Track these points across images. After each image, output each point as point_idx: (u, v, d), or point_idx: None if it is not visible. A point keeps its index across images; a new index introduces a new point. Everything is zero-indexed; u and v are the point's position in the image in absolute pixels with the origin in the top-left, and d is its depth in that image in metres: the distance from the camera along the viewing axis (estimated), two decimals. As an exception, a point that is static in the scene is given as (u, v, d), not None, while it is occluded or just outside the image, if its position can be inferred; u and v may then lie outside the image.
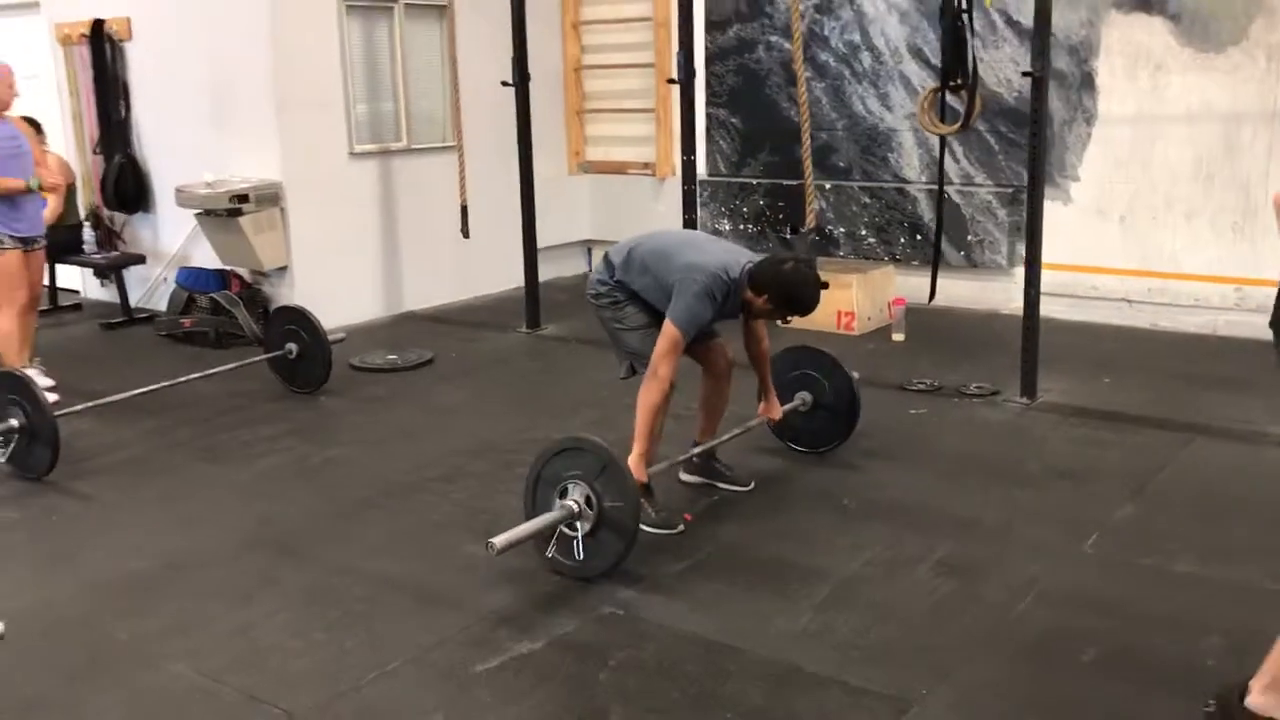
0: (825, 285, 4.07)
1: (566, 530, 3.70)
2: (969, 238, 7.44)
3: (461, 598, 3.71)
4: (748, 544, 4.09)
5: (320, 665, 3.32)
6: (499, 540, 3.52)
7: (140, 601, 3.76)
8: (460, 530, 4.23)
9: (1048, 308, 7.11)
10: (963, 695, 3.09)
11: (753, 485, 4.59)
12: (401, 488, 4.74)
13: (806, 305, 4.04)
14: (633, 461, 3.92)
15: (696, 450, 4.51)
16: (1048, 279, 7.13)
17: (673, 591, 3.72)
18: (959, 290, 7.55)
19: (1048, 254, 7.14)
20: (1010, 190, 7.20)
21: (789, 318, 4.10)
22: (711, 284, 3.98)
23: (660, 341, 3.98)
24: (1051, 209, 7.14)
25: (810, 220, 5.80)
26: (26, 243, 5.84)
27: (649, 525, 4.08)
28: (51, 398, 5.43)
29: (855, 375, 4.88)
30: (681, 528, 4.19)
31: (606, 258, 4.31)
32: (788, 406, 4.71)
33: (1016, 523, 4.19)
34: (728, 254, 4.14)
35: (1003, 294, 7.35)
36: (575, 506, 3.68)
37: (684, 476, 4.65)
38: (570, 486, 3.71)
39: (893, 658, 3.28)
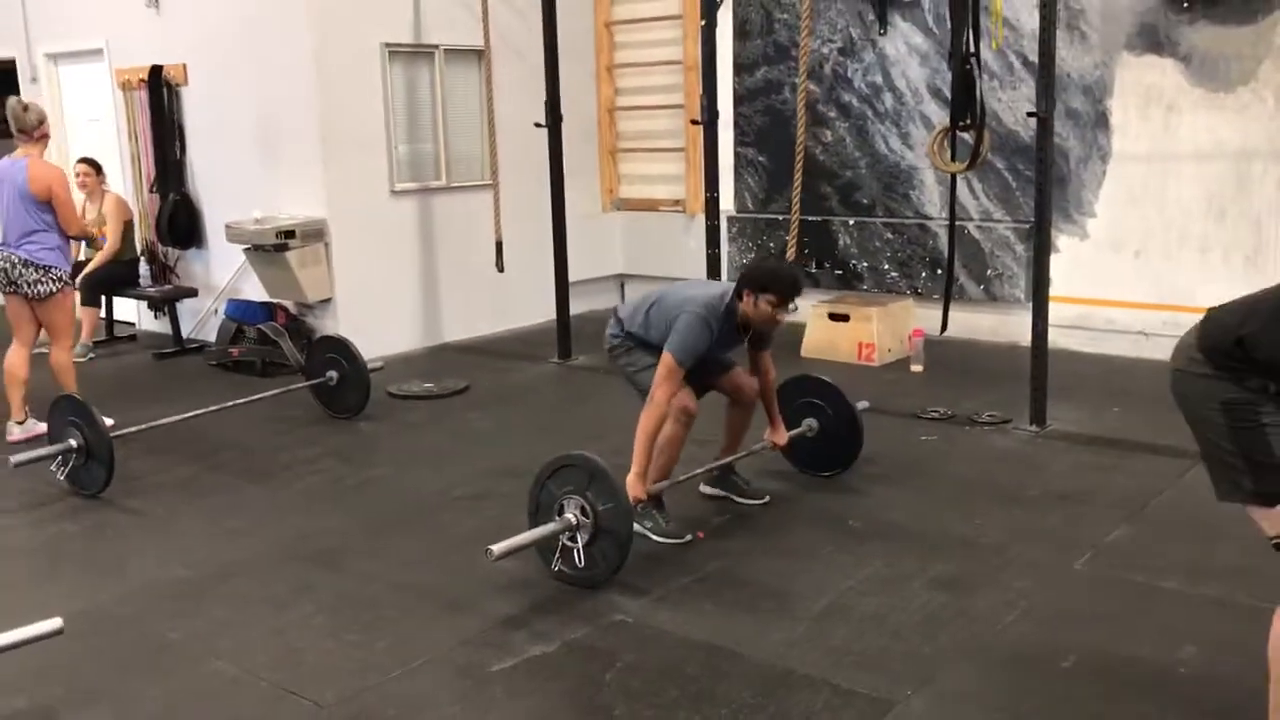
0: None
1: (568, 542, 3.98)
2: (988, 272, 7.65)
3: (483, 605, 3.97)
4: (754, 559, 4.32)
5: (349, 663, 3.59)
6: (497, 547, 3.82)
7: (186, 605, 4.06)
8: (485, 545, 4.44)
9: (1065, 340, 7.35)
10: (943, 698, 3.29)
11: (767, 499, 4.86)
12: (432, 506, 5.02)
13: (784, 280, 4.33)
14: (630, 479, 4.19)
15: (706, 467, 4.81)
16: (1065, 312, 7.37)
17: (680, 601, 3.96)
18: (979, 323, 7.77)
19: (1065, 288, 7.39)
20: (1027, 226, 7.39)
21: (781, 308, 4.31)
22: (705, 312, 4.28)
23: (659, 369, 4.27)
24: (1069, 244, 7.39)
25: (790, 254, 6.18)
26: None
27: (658, 535, 4.41)
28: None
29: (862, 404, 5.11)
30: (689, 538, 4.44)
31: (616, 313, 4.68)
32: (794, 432, 4.96)
33: (1012, 543, 4.38)
34: (723, 287, 4.48)
35: (1021, 326, 7.50)
36: (573, 519, 3.96)
37: (704, 489, 4.95)
38: (566, 501, 4.00)
39: (881, 664, 3.49)
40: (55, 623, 3.26)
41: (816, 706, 3.25)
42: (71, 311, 6.26)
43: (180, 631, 3.85)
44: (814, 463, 5.14)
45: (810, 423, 5.04)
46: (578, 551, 3.96)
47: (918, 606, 3.86)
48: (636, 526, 4.38)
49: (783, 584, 4.08)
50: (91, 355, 8.13)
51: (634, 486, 4.18)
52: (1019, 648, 3.57)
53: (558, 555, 4.01)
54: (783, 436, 4.86)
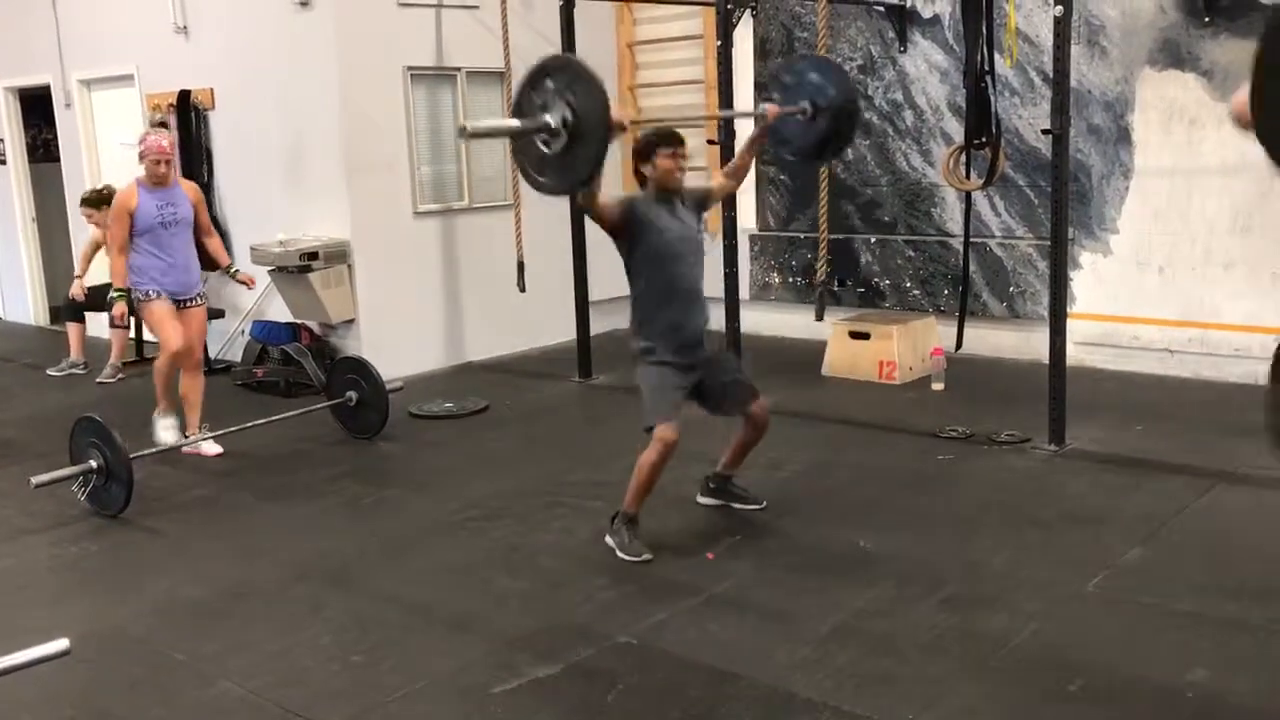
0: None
1: (542, 146, 4.06)
2: (1011, 289, 7.60)
3: (490, 627, 3.98)
4: (762, 580, 4.30)
5: (354, 684, 3.61)
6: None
7: (198, 626, 4.10)
8: (495, 565, 4.52)
9: (1090, 358, 7.29)
10: (946, 720, 3.27)
11: (765, 504, 4.91)
12: (446, 526, 5.05)
13: (649, 135, 4.68)
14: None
15: (710, 475, 4.93)
16: (1089, 329, 7.31)
17: (685, 623, 3.95)
18: (1002, 340, 7.71)
19: (1089, 305, 7.33)
20: (1050, 242, 7.33)
21: (670, 154, 4.60)
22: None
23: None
24: (1091, 260, 7.33)
25: (820, 274, 6.17)
26: (175, 300, 6.15)
27: (621, 551, 4.50)
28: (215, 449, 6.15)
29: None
30: (649, 557, 4.46)
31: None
32: (788, 108, 5.08)
33: (1024, 564, 4.34)
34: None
35: (1044, 344, 7.41)
36: (552, 122, 4.00)
37: (701, 499, 5.00)
38: (551, 101, 4.01)
39: (885, 686, 3.46)
40: (62, 644, 3.28)
41: (817, 730, 3.23)
42: (157, 324, 6.12)
43: (191, 652, 3.88)
44: (802, 149, 5.31)
45: (804, 105, 5.15)
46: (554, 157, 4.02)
47: (925, 628, 3.83)
48: (607, 539, 4.54)
49: (790, 605, 4.06)
50: (121, 375, 8.24)
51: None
52: (1026, 670, 3.53)
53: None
54: (773, 109, 5.02)
